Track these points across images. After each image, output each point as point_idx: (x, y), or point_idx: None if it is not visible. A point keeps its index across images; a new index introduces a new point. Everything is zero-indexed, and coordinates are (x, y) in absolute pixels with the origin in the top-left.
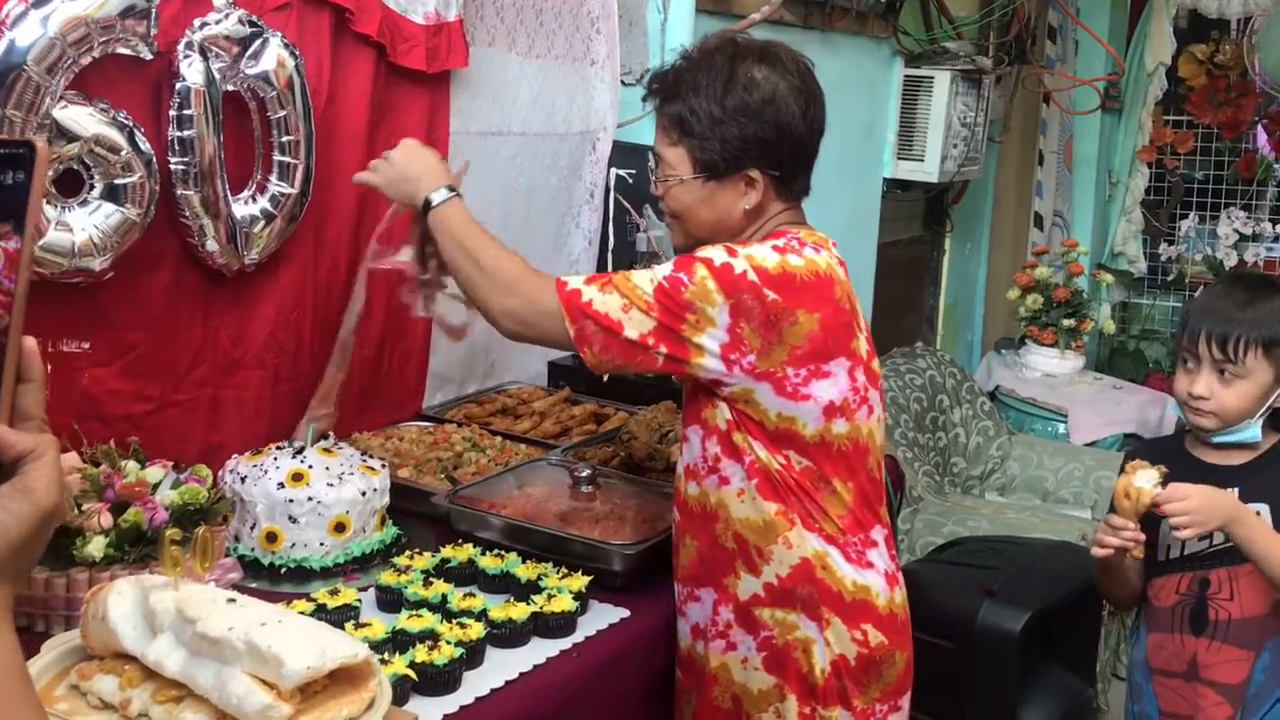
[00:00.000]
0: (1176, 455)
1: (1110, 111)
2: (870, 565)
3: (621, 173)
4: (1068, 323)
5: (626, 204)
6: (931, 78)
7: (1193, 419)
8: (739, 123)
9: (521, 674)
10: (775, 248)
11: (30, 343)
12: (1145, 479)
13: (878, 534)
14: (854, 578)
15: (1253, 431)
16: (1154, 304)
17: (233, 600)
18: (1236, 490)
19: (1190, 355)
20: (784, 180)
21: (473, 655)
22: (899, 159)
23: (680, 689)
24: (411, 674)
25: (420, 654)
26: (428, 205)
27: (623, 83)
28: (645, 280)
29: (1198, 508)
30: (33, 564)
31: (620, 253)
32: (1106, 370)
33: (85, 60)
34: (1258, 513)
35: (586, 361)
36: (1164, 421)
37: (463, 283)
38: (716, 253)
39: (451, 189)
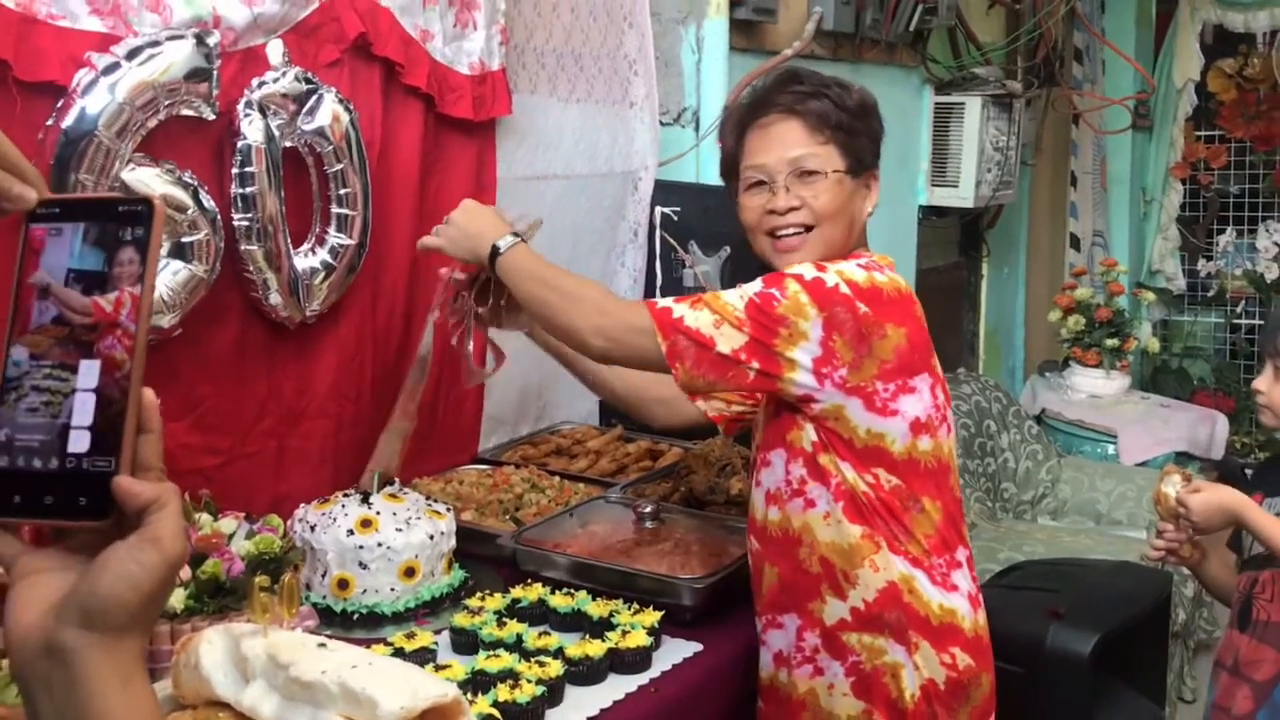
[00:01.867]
0: (1273, 461)
1: (1141, 130)
2: (955, 588)
3: (666, 210)
4: (1111, 342)
5: (672, 240)
6: (962, 104)
7: (1258, 415)
8: (868, 119)
9: (602, 710)
10: (860, 265)
11: (149, 395)
12: (1170, 484)
13: (961, 554)
14: (940, 600)
15: None
16: (1195, 321)
17: (323, 644)
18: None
19: (1269, 355)
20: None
21: (553, 693)
22: (933, 186)
23: (762, 718)
24: (496, 714)
25: (503, 693)
26: (495, 253)
27: (661, 122)
28: (736, 297)
29: (1196, 512)
30: (159, 612)
31: (667, 289)
32: (1150, 389)
33: (151, 123)
34: None
35: (677, 379)
36: (1214, 439)
37: (547, 313)
38: (806, 269)
39: (515, 234)
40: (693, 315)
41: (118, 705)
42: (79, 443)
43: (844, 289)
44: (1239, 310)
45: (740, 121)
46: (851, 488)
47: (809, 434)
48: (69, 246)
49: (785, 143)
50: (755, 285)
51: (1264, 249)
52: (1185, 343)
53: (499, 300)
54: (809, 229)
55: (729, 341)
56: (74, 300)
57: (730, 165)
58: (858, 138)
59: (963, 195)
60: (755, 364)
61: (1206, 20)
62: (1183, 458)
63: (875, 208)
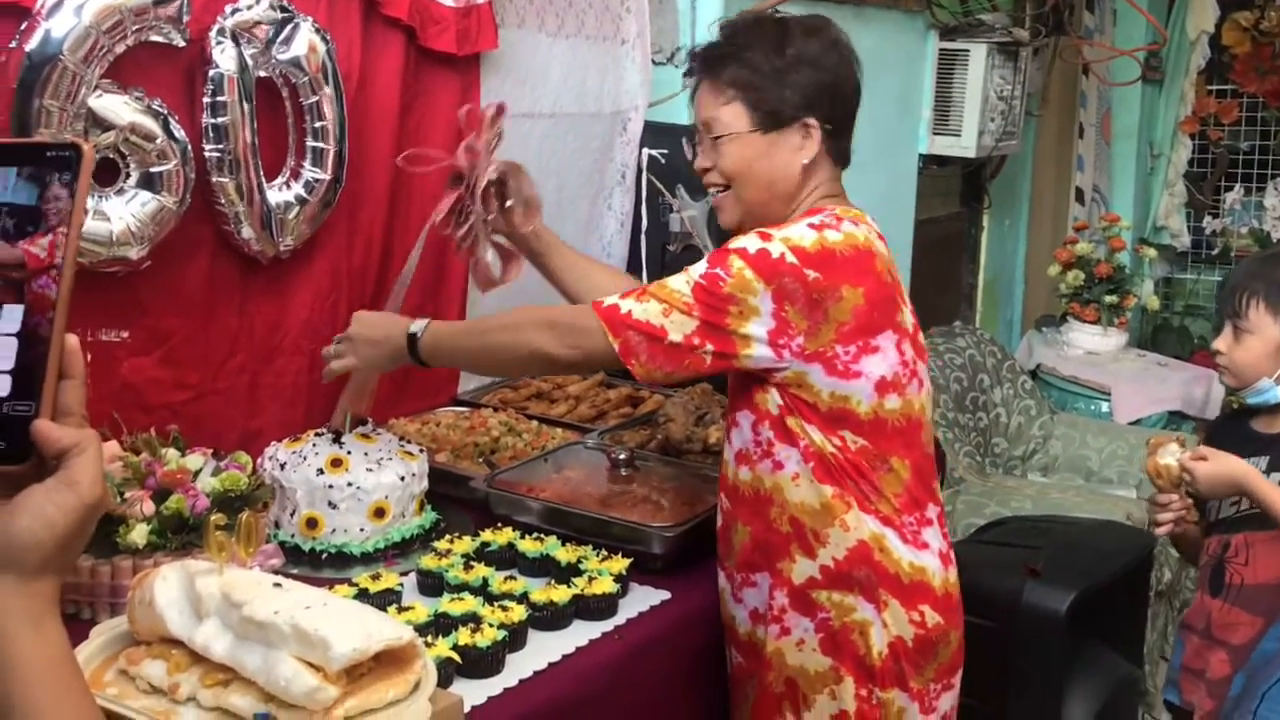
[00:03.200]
0: (1240, 427)
1: (1151, 82)
2: (925, 546)
3: (654, 153)
4: (1110, 299)
5: (659, 184)
6: (967, 51)
7: (1220, 376)
8: (799, 69)
9: (564, 656)
10: (811, 225)
11: (72, 340)
12: (1168, 454)
13: (932, 512)
14: (910, 559)
15: (1272, 393)
16: (1199, 279)
17: (278, 584)
18: (1266, 459)
19: (1224, 314)
20: (834, 135)
21: (515, 638)
22: (935, 134)
23: (741, 674)
24: (455, 656)
25: (463, 637)
26: (414, 339)
27: (653, 61)
28: (681, 283)
29: (1202, 481)
30: (76, 557)
31: (653, 233)
32: (1150, 347)
33: (119, 49)
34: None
35: (635, 374)
36: (1210, 398)
37: (501, 355)
38: (750, 241)
39: (421, 318)
40: (640, 308)
41: (28, 647)
42: None
43: (790, 258)
44: None
45: (691, 79)
46: (820, 449)
47: (774, 398)
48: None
49: (700, 104)
50: (700, 267)
51: (1271, 207)
52: (1188, 300)
53: (503, 204)
54: (727, 187)
55: (680, 329)
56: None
57: None
58: (769, 92)
59: (965, 145)
60: (710, 347)
61: None
62: (1176, 417)
63: (815, 156)
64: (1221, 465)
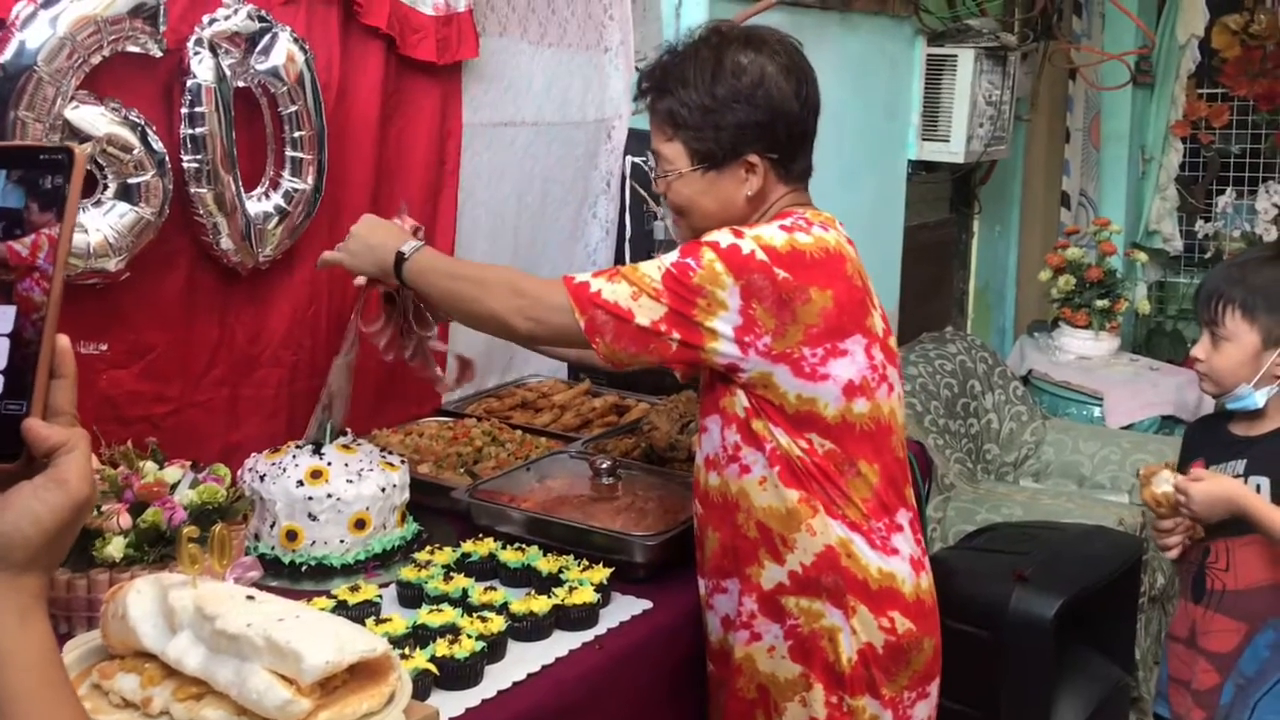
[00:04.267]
0: (1217, 430)
1: (1141, 86)
2: (895, 551)
3: (637, 160)
4: (1101, 303)
5: (643, 192)
6: (955, 56)
7: (1200, 383)
8: (731, 109)
9: (544, 667)
10: (783, 227)
11: (63, 340)
12: (1162, 482)
13: (903, 517)
14: (879, 564)
15: (1251, 399)
16: (1191, 283)
17: (251, 597)
18: (1244, 461)
19: (1200, 321)
20: (783, 162)
21: (494, 649)
22: (924, 140)
23: (714, 682)
24: (433, 668)
25: (441, 648)
26: (400, 259)
27: (637, 69)
28: (653, 268)
29: (1197, 502)
30: (64, 554)
31: (638, 241)
32: (1144, 352)
33: (95, 59)
34: (1258, 487)
35: (599, 353)
36: (1203, 402)
37: (464, 306)
38: (723, 235)
39: (419, 242)
40: (610, 288)
41: (14, 642)
42: None
43: (760, 255)
44: None
45: None
46: (786, 452)
47: (741, 400)
48: None
49: (651, 132)
50: (673, 255)
51: (1263, 210)
52: (1181, 305)
53: (436, 314)
54: (679, 213)
55: (648, 313)
56: None
57: None
58: (707, 131)
59: (953, 150)
60: (676, 335)
61: None
62: (1169, 421)
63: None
64: (1216, 486)
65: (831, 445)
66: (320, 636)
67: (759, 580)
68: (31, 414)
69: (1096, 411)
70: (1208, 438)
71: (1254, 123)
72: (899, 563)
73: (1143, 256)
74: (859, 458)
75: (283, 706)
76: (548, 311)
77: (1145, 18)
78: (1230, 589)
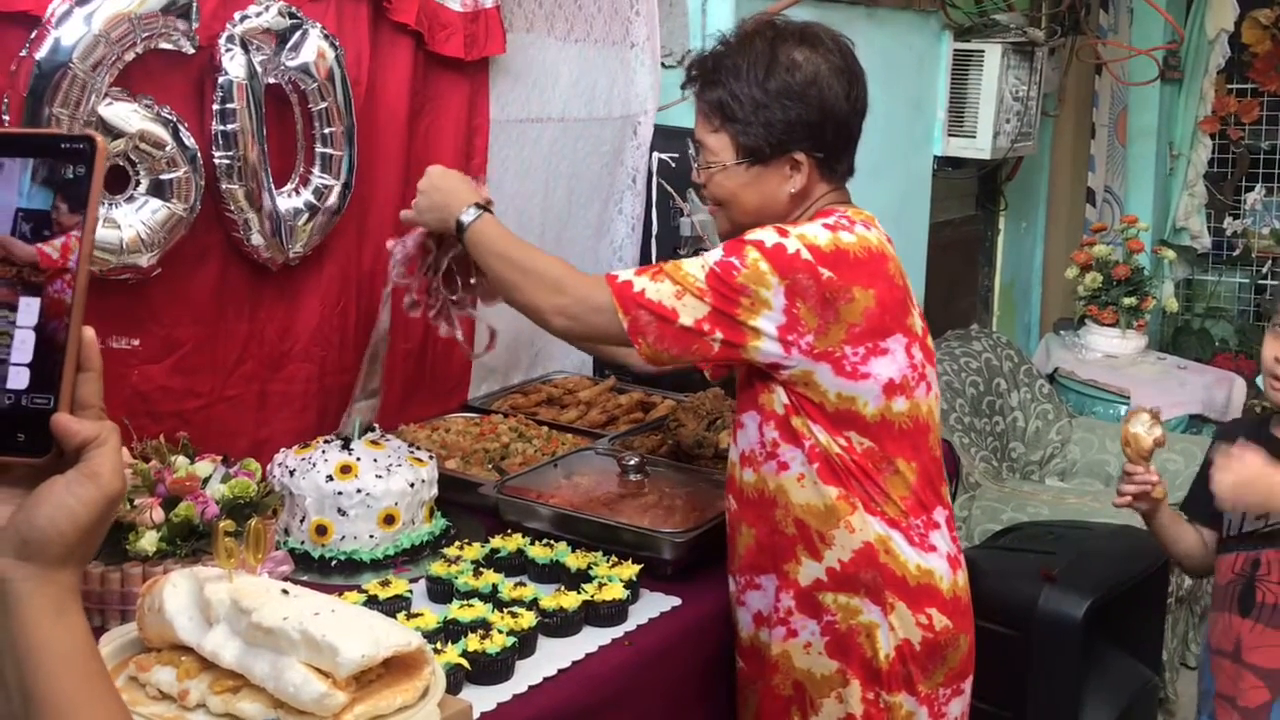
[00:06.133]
0: (1256, 435)
1: (1170, 81)
2: (933, 549)
3: (664, 157)
4: (1128, 301)
5: (669, 188)
6: (982, 51)
7: (1270, 390)
8: (782, 105)
9: (574, 663)
10: (826, 225)
11: (89, 333)
12: (1139, 423)
13: (939, 515)
14: (917, 561)
15: None
16: (1219, 280)
17: (286, 591)
18: None
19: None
20: (828, 162)
21: (525, 644)
22: (950, 136)
23: (744, 679)
24: (464, 663)
25: (473, 643)
26: (460, 227)
27: (663, 65)
28: (697, 267)
29: (1234, 482)
30: (96, 548)
31: (664, 238)
32: (1171, 350)
33: (129, 57)
34: None
35: (641, 353)
36: (1231, 402)
37: (507, 290)
38: (767, 234)
39: (480, 206)
40: (654, 288)
41: (51, 636)
42: (18, 379)
43: (805, 254)
44: (1265, 270)
45: None
46: (825, 450)
47: (780, 397)
48: (16, 185)
49: (696, 122)
50: (716, 254)
51: None
52: (1209, 303)
53: (468, 280)
54: (720, 205)
55: (692, 313)
56: (18, 249)
57: None
58: (759, 127)
59: (980, 146)
60: (719, 334)
61: None
62: (1196, 420)
63: (804, 187)
64: (1256, 473)
65: (870, 443)
66: (356, 630)
67: (796, 576)
68: (59, 408)
69: (1123, 410)
70: (1253, 444)
71: None
72: (937, 560)
73: (1170, 254)
74: (897, 456)
75: (319, 699)
76: (590, 312)
77: (1174, 12)
78: None
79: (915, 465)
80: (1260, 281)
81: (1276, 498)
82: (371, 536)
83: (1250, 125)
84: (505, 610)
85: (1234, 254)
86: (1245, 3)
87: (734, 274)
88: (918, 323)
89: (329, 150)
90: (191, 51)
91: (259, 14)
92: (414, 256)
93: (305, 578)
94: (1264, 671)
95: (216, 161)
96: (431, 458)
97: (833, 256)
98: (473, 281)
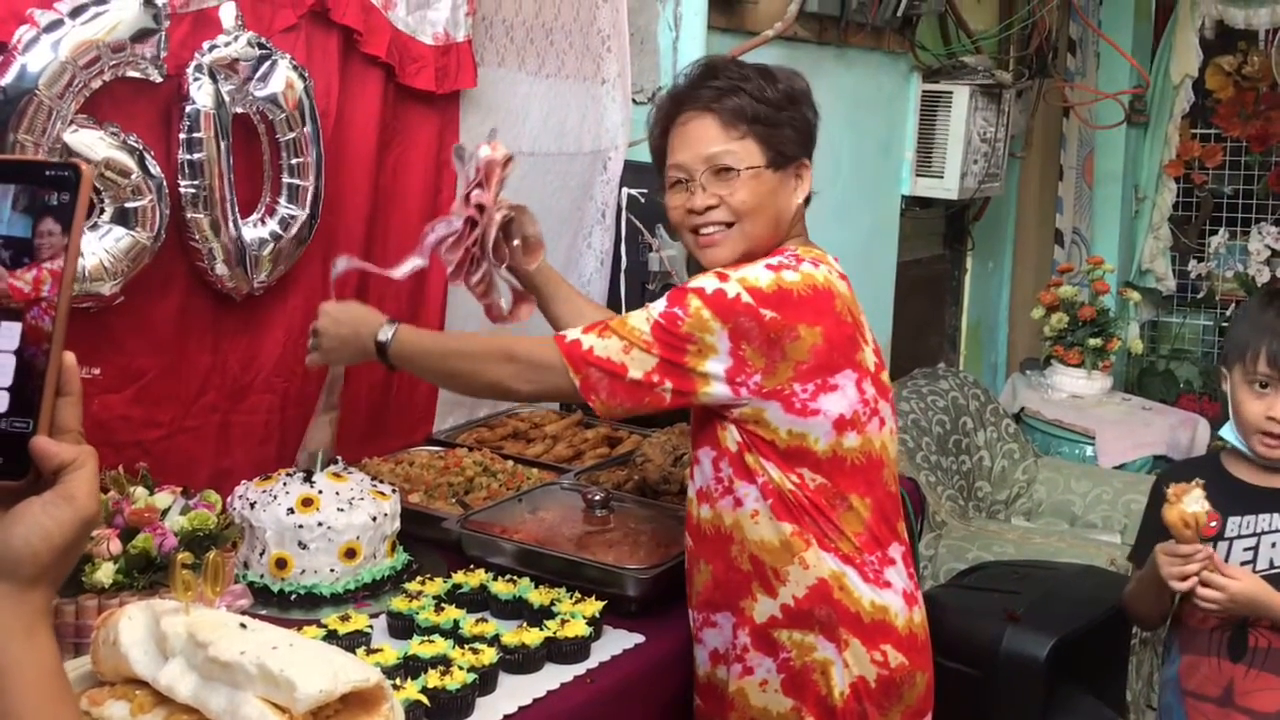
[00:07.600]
0: (1213, 475)
1: (1136, 125)
2: (888, 585)
3: (633, 192)
4: (1094, 342)
5: (639, 223)
6: (950, 93)
7: (1262, 447)
8: (797, 108)
9: (535, 700)
10: (769, 266)
11: (70, 358)
12: (1194, 501)
13: (895, 551)
14: (872, 598)
15: None
16: (1184, 323)
17: (244, 625)
18: (1275, 515)
19: (1263, 378)
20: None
21: (485, 681)
22: (918, 176)
23: (701, 717)
24: (424, 699)
25: (433, 679)
26: (382, 349)
27: (634, 101)
28: (642, 320)
29: (1232, 598)
30: (69, 570)
31: (633, 273)
32: (1136, 391)
33: (95, 84)
34: None
35: (595, 410)
36: (1195, 443)
37: (460, 382)
38: (708, 281)
39: (391, 321)
40: (602, 344)
41: (21, 656)
42: None
43: (745, 298)
44: (1229, 313)
45: (665, 118)
46: (779, 486)
47: (733, 434)
48: None
49: (702, 140)
50: (660, 305)
51: (1256, 251)
52: (1173, 344)
53: (511, 246)
54: (730, 225)
55: (640, 366)
56: None
57: (659, 161)
58: (779, 130)
59: (947, 186)
60: (669, 384)
61: (1207, 15)
62: (1161, 461)
63: (810, 197)
64: (1253, 592)
65: (823, 480)
66: (314, 665)
67: (752, 613)
68: (38, 432)
69: (1089, 450)
70: (1214, 487)
71: (1247, 163)
72: (891, 596)
73: (1136, 296)
74: (850, 491)
75: None
76: (542, 373)
77: (1140, 57)
78: (1277, 646)
79: (869, 501)
80: (1224, 324)
81: (1266, 609)
82: (332, 570)
83: (1214, 170)
84: (466, 646)
85: (1198, 296)
86: (1209, 49)
87: (678, 324)
88: (870, 358)
89: (296, 181)
90: (159, 80)
91: (228, 44)
92: (462, 232)
93: (264, 612)
94: (1262, 715)
95: (182, 190)
96: (395, 491)
97: (775, 297)
98: (515, 244)
